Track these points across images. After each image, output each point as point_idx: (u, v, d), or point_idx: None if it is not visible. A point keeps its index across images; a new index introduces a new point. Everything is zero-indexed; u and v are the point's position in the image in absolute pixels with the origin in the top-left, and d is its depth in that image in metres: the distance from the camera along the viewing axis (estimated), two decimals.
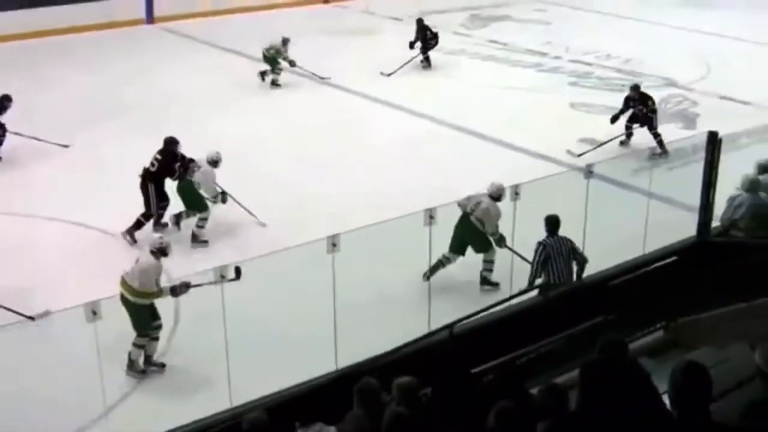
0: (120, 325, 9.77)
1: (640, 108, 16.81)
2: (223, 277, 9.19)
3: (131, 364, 10.03)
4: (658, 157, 16.02)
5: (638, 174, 13.01)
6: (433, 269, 11.72)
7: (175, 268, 10.87)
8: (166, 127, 16.99)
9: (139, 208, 13.29)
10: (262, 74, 21.12)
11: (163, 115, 17.93)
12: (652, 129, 16.75)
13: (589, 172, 11.41)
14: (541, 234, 10.91)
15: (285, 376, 9.03)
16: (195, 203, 13.25)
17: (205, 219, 13.17)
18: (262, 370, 9.99)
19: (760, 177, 11.63)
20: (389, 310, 10.88)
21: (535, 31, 27.47)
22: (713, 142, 10.54)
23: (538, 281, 10.73)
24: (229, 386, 9.03)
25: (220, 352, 9.78)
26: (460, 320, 8.89)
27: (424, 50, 22.44)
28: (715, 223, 11.24)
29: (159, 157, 13.29)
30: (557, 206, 12.38)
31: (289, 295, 10.74)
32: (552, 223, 10.80)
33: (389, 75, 21.74)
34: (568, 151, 16.67)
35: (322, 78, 21.33)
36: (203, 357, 10.15)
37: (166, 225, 13.48)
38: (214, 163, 13.20)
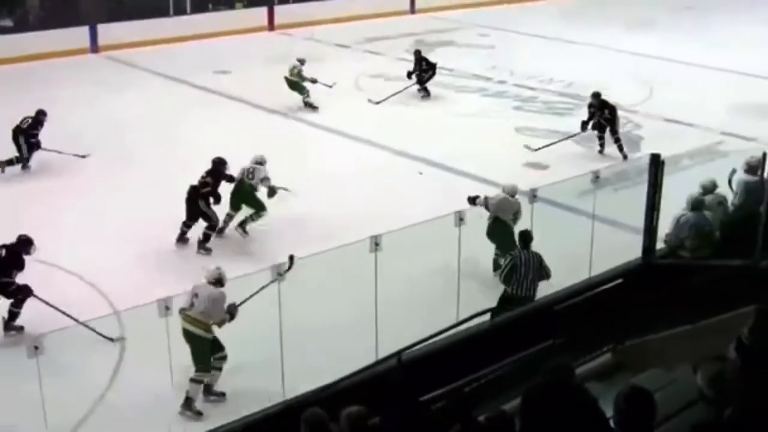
0: None
1: (599, 114, 17.78)
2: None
3: (188, 403, 9.78)
4: (623, 160, 17.50)
5: (583, 197, 13.07)
6: (496, 265, 12.44)
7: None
8: (114, 155, 17.05)
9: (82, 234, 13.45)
10: (308, 104, 21.37)
11: (110, 144, 17.81)
12: (614, 133, 17.84)
13: (533, 196, 11.47)
14: (487, 258, 10.95)
15: (230, 408, 8.97)
16: (255, 205, 14.24)
17: (261, 217, 14.26)
18: (207, 401, 9.94)
19: (705, 197, 11.74)
20: (338, 337, 10.81)
21: (480, 55, 27.65)
22: (656, 164, 10.61)
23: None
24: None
25: (166, 383, 9.71)
26: (408, 347, 8.84)
27: (420, 81, 22.42)
28: (660, 244, 11.32)
29: (206, 176, 13.86)
30: None
31: (237, 323, 10.62)
32: (524, 237, 11.11)
33: (377, 103, 21.75)
34: (526, 146, 17.99)
35: (330, 86, 21.47)
36: (147, 390, 10.01)
37: (187, 240, 13.96)
38: (261, 163, 14.37)
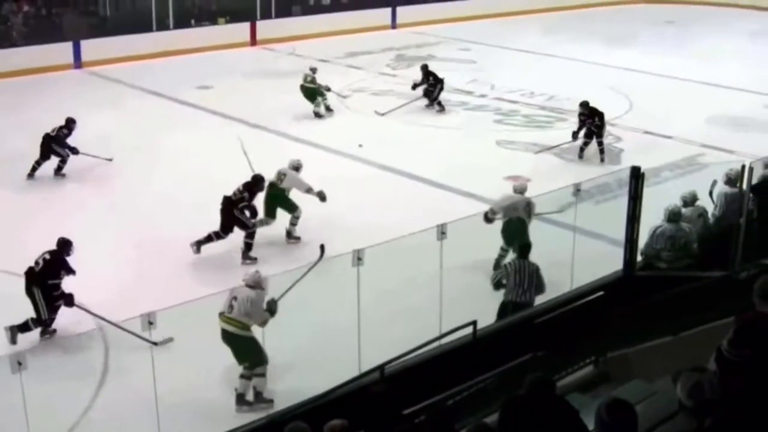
0: None
1: (590, 122, 18.29)
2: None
3: (259, 397, 9.99)
4: (602, 163, 18.20)
5: (564, 209, 13.09)
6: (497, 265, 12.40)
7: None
8: (98, 170, 16.99)
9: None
10: (322, 111, 21.60)
11: (94, 159, 17.78)
12: (599, 137, 18.37)
13: (514, 209, 11.49)
14: (470, 276, 10.97)
15: (213, 424, 8.94)
16: (287, 207, 14.48)
17: (298, 218, 14.44)
18: (192, 414, 9.89)
19: (684, 209, 11.79)
20: (321, 350, 10.81)
21: (460, 70, 27.67)
22: (636, 176, 10.67)
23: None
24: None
25: (149, 393, 9.66)
26: (391, 361, 8.86)
27: (427, 95, 22.51)
28: (640, 256, 11.36)
29: (243, 190, 13.89)
30: (485, 244, 12.46)
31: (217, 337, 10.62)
32: (521, 247, 11.25)
33: (383, 114, 21.90)
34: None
35: (345, 96, 21.83)
36: (134, 402, 9.92)
37: (199, 249, 13.85)
38: (297, 168, 14.61)
